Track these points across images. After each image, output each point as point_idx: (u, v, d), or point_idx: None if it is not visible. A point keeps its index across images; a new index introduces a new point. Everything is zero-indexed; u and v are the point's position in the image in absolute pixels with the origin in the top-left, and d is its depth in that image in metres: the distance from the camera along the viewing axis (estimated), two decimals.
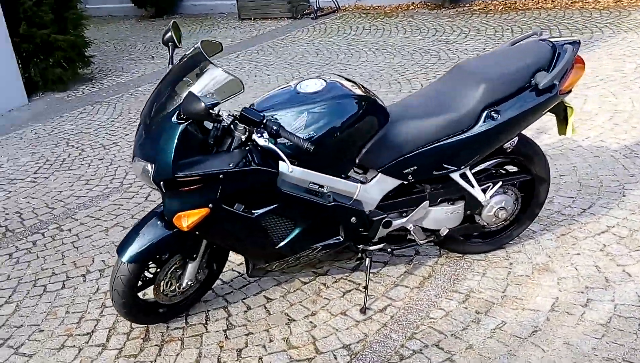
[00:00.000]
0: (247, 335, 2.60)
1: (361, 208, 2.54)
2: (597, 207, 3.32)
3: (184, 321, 2.72)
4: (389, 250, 2.74)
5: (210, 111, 2.05)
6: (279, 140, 2.23)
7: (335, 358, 2.42)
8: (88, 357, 2.55)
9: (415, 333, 2.52)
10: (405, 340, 2.49)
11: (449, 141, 2.54)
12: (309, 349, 2.48)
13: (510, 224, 2.98)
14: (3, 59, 6.53)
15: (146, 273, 2.53)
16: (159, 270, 2.52)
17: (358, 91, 2.49)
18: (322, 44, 7.89)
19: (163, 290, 2.56)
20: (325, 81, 2.47)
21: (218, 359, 2.47)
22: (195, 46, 2.36)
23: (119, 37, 10.15)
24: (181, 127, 2.15)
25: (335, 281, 2.90)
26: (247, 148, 2.27)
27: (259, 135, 2.21)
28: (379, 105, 2.51)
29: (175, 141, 2.15)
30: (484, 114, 2.53)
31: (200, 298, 2.79)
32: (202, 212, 2.26)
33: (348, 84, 2.51)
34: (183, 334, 2.64)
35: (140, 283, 2.52)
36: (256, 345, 2.53)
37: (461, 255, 3.01)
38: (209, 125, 2.30)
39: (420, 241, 2.74)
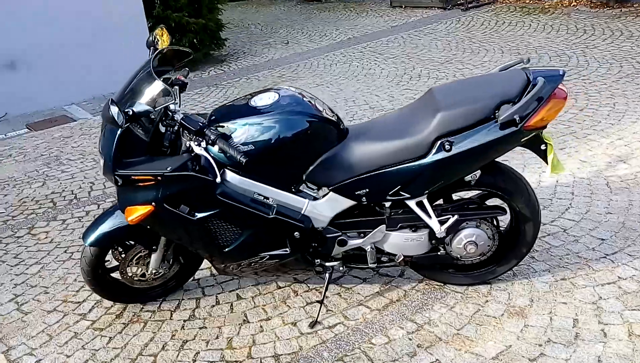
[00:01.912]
0: (200, 328, 2.85)
1: (309, 224, 2.63)
2: (622, 254, 3.04)
3: (158, 305, 3.02)
4: (342, 268, 2.79)
5: (121, 119, 2.28)
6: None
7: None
8: (66, 322, 2.97)
9: (346, 355, 2.58)
10: (333, 360, 2.55)
11: (401, 167, 2.52)
12: (243, 352, 2.66)
13: (493, 261, 2.86)
14: (139, 39, 7.31)
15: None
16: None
17: (308, 109, 2.57)
18: (455, 38, 7.79)
19: (131, 274, 2.88)
20: (278, 95, 2.59)
21: (163, 346, 2.75)
22: (152, 54, 2.61)
23: (268, 20, 10.78)
24: (120, 129, 2.42)
25: (307, 291, 3.02)
26: (192, 154, 2.48)
27: (196, 143, 2.42)
28: (328, 125, 2.58)
29: (115, 140, 2.43)
30: (437, 144, 2.47)
31: (178, 288, 3.08)
32: (146, 209, 2.53)
33: (302, 101, 2.60)
34: (150, 317, 2.95)
35: (110, 265, 2.87)
36: (201, 340, 2.76)
37: (442, 285, 2.95)
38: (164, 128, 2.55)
39: (371, 264, 2.75)
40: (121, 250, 2.85)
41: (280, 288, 3.07)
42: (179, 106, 2.58)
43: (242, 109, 2.59)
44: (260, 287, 3.09)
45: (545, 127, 2.51)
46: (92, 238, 2.72)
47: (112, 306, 3.04)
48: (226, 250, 2.65)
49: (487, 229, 2.72)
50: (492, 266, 2.88)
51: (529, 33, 7.63)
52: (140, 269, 2.89)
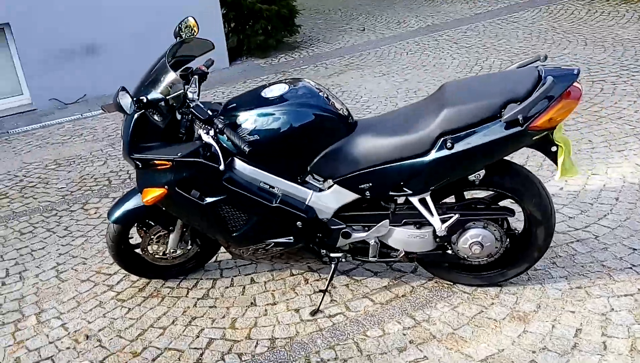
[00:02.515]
0: (210, 307, 3.03)
1: (312, 215, 2.73)
2: None
3: (178, 283, 3.23)
4: (344, 260, 2.87)
5: (129, 107, 2.48)
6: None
7: (256, 346, 2.72)
8: (95, 292, 3.25)
9: (338, 344, 2.67)
10: (325, 348, 2.65)
11: (404, 163, 2.56)
12: (243, 333, 2.81)
13: (504, 263, 2.84)
14: (213, 26, 7.60)
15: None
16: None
17: (316, 101, 2.65)
18: (539, 27, 7.53)
19: (152, 252, 3.09)
20: (288, 87, 2.70)
21: (173, 320, 2.95)
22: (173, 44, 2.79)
23: (350, 6, 10.80)
24: (136, 115, 2.62)
25: (318, 279, 3.13)
26: (203, 142, 2.64)
27: (205, 131, 2.58)
28: (334, 117, 2.66)
29: (131, 126, 2.64)
30: (440, 141, 2.49)
31: (197, 268, 3.28)
32: (159, 191, 2.72)
33: (310, 93, 2.69)
34: (168, 293, 3.16)
35: (135, 242, 3.10)
36: (209, 318, 2.94)
37: (451, 284, 2.96)
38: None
39: (372, 258, 2.81)
40: (144, 228, 3.07)
41: (293, 275, 3.19)
42: (198, 95, 2.75)
43: (253, 100, 2.73)
44: (274, 273, 3.23)
45: (554, 128, 2.46)
46: (115, 215, 2.96)
47: (137, 280, 3.28)
48: (234, 234, 2.81)
49: (494, 230, 2.71)
50: (503, 268, 2.86)
51: (620, 24, 7.24)
52: (160, 247, 3.10)
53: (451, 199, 2.84)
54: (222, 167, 2.57)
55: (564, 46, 6.68)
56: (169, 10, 7.12)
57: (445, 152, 2.49)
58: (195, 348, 2.75)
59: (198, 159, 2.63)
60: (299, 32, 8.72)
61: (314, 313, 2.88)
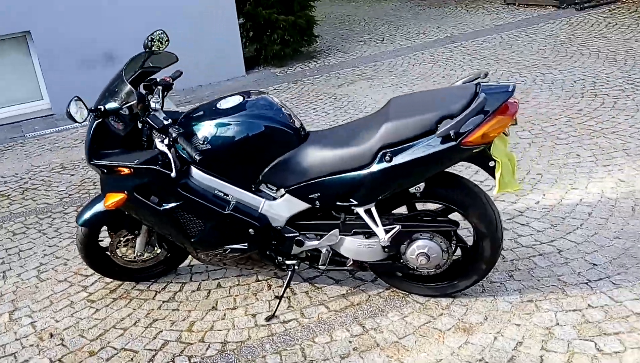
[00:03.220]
0: (173, 310, 3.17)
1: (263, 222, 2.84)
2: (607, 282, 2.96)
3: (148, 286, 3.38)
4: (297, 267, 2.97)
5: (75, 114, 2.66)
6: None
7: (207, 349, 2.85)
8: (69, 292, 3.43)
9: (286, 350, 2.78)
10: (271, 353, 2.76)
11: (348, 175, 2.66)
12: (198, 336, 2.94)
13: (455, 275, 2.90)
14: (230, 35, 7.83)
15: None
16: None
17: (267, 113, 2.78)
18: (555, 40, 7.53)
19: (121, 255, 3.25)
20: (243, 98, 2.83)
21: (136, 322, 3.10)
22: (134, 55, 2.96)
23: (374, 16, 10.91)
24: (95, 123, 2.78)
25: (280, 286, 3.23)
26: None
27: (160, 140, 2.73)
28: (284, 129, 2.78)
29: (91, 133, 2.81)
30: (379, 154, 2.58)
31: (167, 273, 3.44)
32: (119, 196, 2.88)
33: (263, 105, 2.82)
34: (137, 295, 3.32)
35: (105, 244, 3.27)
36: (169, 320, 3.09)
37: (407, 294, 3.04)
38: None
39: (321, 266, 2.91)
40: (113, 232, 3.23)
41: (258, 281, 3.31)
42: (162, 105, 2.90)
43: (209, 110, 2.87)
44: (241, 278, 3.35)
45: (489, 143, 2.52)
46: (82, 218, 3.13)
47: (111, 282, 3.45)
48: (192, 240, 2.95)
49: (440, 242, 2.78)
50: (454, 280, 2.92)
51: (637, 37, 7.19)
52: (128, 251, 3.26)
53: (404, 210, 2.92)
54: (173, 174, 2.71)
55: (575, 59, 6.67)
56: (186, 22, 7.36)
57: (384, 165, 2.58)
58: (149, 349, 2.89)
59: (154, 167, 2.77)
60: (316, 42, 8.86)
61: (269, 318, 2.99)
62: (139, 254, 3.25)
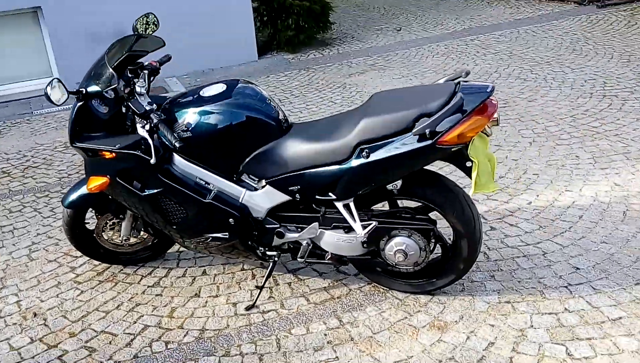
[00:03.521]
0: (157, 295, 3.23)
1: (246, 212, 2.89)
2: (587, 287, 2.98)
3: (135, 270, 3.45)
4: (277, 259, 3.02)
5: (53, 96, 2.72)
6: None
7: (185, 335, 2.91)
8: (57, 272, 3.51)
9: (261, 339, 2.84)
10: (247, 342, 2.82)
11: (326, 169, 2.69)
12: (177, 322, 3.01)
13: (434, 272, 2.93)
14: (243, 19, 7.84)
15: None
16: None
17: (248, 103, 2.81)
18: (572, 37, 7.44)
19: (107, 238, 3.32)
20: (226, 87, 2.86)
21: (118, 305, 3.17)
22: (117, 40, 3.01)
23: (394, 4, 10.78)
24: (77, 105, 2.84)
25: (265, 276, 3.27)
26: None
27: (141, 125, 2.78)
28: (266, 119, 2.81)
29: (73, 115, 2.86)
30: (357, 150, 2.60)
31: (152, 258, 3.51)
32: (102, 180, 2.94)
33: (245, 94, 2.85)
34: (123, 279, 3.39)
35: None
36: (151, 305, 3.15)
37: (387, 289, 3.07)
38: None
39: (299, 258, 2.95)
40: (99, 215, 3.29)
41: (243, 270, 3.36)
42: (146, 90, 2.93)
43: (192, 98, 2.90)
44: (226, 267, 3.41)
45: (466, 143, 2.52)
46: (68, 200, 3.19)
47: (99, 264, 3.52)
48: (175, 227, 2.99)
49: (418, 239, 2.80)
50: (432, 278, 2.95)
51: None
52: (114, 234, 3.32)
53: (386, 206, 2.95)
54: (153, 161, 2.75)
55: (589, 57, 6.60)
56: (199, 3, 7.38)
57: (361, 161, 2.61)
58: (128, 333, 2.96)
59: (134, 152, 2.82)
60: (331, 29, 8.83)
61: (249, 308, 3.04)
62: (124, 238, 3.31)
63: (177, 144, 2.66)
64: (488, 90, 2.52)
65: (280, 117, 2.88)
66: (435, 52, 7.53)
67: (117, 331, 2.98)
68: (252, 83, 2.99)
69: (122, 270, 3.46)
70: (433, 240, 2.88)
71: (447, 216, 2.75)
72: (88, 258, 3.56)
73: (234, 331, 2.90)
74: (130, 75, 2.92)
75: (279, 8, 8.15)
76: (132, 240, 3.36)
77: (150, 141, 2.76)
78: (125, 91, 2.86)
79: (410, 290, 3.02)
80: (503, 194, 3.93)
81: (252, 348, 2.78)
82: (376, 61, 7.46)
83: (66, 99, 2.74)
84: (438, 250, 2.98)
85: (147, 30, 3.13)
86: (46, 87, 2.71)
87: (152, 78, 3.02)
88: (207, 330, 2.93)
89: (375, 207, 2.92)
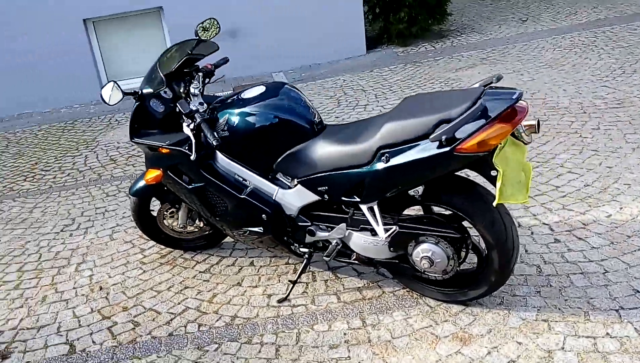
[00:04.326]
0: (205, 281, 3.45)
1: (278, 209, 3.00)
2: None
3: (193, 256, 3.69)
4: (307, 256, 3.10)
5: (104, 97, 2.97)
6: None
7: (217, 320, 3.08)
8: (128, 252, 3.85)
9: (283, 332, 2.94)
10: (269, 333, 2.94)
11: (351, 171, 2.72)
12: (214, 307, 3.20)
13: (467, 282, 2.86)
14: (353, 13, 7.92)
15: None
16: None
17: (283, 104, 2.92)
18: None
19: (167, 225, 3.58)
20: (264, 89, 2.99)
21: (170, 287, 3.42)
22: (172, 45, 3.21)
23: None
24: (136, 105, 3.11)
25: (309, 271, 3.36)
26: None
27: (186, 124, 2.98)
28: (298, 120, 2.90)
29: (132, 114, 3.12)
30: (378, 154, 2.60)
31: (207, 247, 3.73)
32: (156, 173, 3.20)
33: (280, 97, 2.95)
34: (181, 263, 3.64)
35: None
36: (197, 289, 3.37)
37: (420, 295, 3.04)
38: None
39: (325, 256, 2.99)
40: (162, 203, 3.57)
41: (287, 264, 3.48)
42: (202, 90, 3.14)
43: (234, 99, 3.06)
44: (273, 260, 3.55)
45: (489, 151, 2.42)
46: (133, 189, 3.50)
47: (165, 248, 3.81)
48: (218, 219, 3.18)
49: (446, 247, 2.74)
50: (464, 288, 2.87)
51: None
52: (174, 222, 3.58)
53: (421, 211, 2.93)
54: (192, 157, 2.94)
55: None
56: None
57: (382, 165, 2.60)
58: (171, 312, 3.20)
59: (180, 148, 3.03)
60: (448, 20, 8.64)
61: (281, 300, 3.16)
62: (181, 226, 3.55)
63: (214, 143, 2.83)
64: (514, 96, 2.40)
65: (313, 119, 2.95)
66: (558, 45, 7.12)
67: (162, 310, 3.23)
68: (291, 86, 3.09)
69: (182, 254, 3.72)
70: (464, 249, 2.80)
71: (477, 225, 2.66)
72: (155, 242, 3.87)
73: (261, 321, 3.03)
74: (186, 77, 3.15)
75: (391, 1, 8.12)
76: (190, 228, 3.60)
77: (192, 138, 2.96)
78: (181, 92, 3.09)
79: (442, 299, 2.96)
80: (582, 205, 3.69)
81: (272, 339, 2.89)
82: (489, 55, 7.20)
83: (120, 100, 2.99)
84: (474, 259, 2.90)
85: (209, 35, 3.33)
86: (102, 88, 2.98)
87: (207, 80, 3.22)
88: (238, 317, 3.09)
89: (408, 212, 2.90)
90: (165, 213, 3.58)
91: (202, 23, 3.34)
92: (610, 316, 2.75)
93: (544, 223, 3.54)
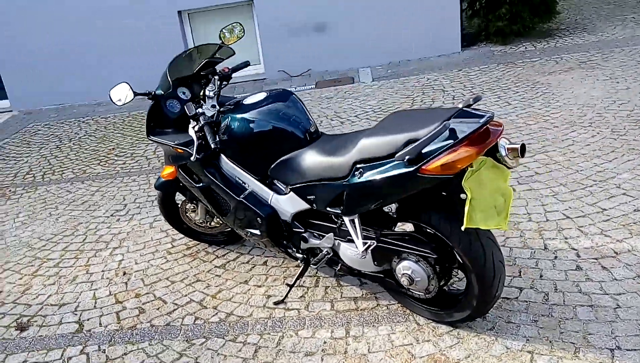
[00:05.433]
0: (217, 275, 3.62)
1: (271, 214, 3.10)
2: (636, 355, 2.57)
3: (214, 250, 3.88)
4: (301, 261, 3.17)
5: (114, 98, 3.17)
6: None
7: (213, 316, 3.25)
8: (160, 241, 4.12)
9: (269, 334, 3.05)
10: (255, 333, 3.05)
11: (332, 183, 2.76)
12: (215, 303, 3.36)
13: (453, 304, 2.82)
14: (449, 9, 7.78)
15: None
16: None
17: (278, 112, 3.01)
18: None
19: (190, 219, 3.80)
20: (265, 96, 3.09)
21: (183, 278, 3.63)
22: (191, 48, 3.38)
23: None
24: (151, 104, 3.32)
25: (311, 275, 3.45)
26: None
27: (191, 125, 3.16)
28: (291, 129, 2.98)
29: (148, 113, 3.34)
30: (354, 168, 2.62)
31: (233, 242, 3.89)
32: (171, 169, 3.40)
33: (279, 104, 3.04)
34: (201, 256, 3.84)
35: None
36: (206, 283, 3.56)
37: (413, 313, 3.03)
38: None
39: (312, 263, 3.06)
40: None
41: (298, 267, 3.56)
42: (218, 94, 3.31)
43: (237, 105, 3.21)
44: (285, 261, 3.65)
45: (455, 174, 2.36)
46: (158, 183, 3.74)
47: (191, 240, 4.02)
48: (224, 217, 3.34)
49: (426, 267, 2.71)
50: (450, 309, 2.83)
51: None
52: (196, 216, 3.78)
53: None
54: (193, 158, 3.11)
55: None
56: None
57: (356, 179, 2.62)
58: (175, 303, 3.41)
59: (185, 148, 3.21)
60: (555, 18, 8.24)
61: (277, 303, 3.26)
62: (200, 221, 3.75)
63: (212, 145, 2.98)
64: (482, 120, 2.33)
65: (308, 128, 3.02)
66: None
67: (169, 300, 3.45)
68: (293, 93, 3.18)
69: (206, 248, 3.93)
70: (448, 268, 2.75)
71: (455, 247, 2.61)
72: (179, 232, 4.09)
73: (252, 320, 3.16)
74: (202, 80, 3.33)
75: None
76: (212, 223, 3.79)
77: (195, 140, 3.13)
78: (200, 94, 3.28)
79: (429, 317, 2.94)
80: (622, 231, 3.46)
81: (255, 340, 3.01)
82: (591, 58, 6.82)
83: (130, 100, 3.20)
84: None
85: (231, 39, 3.47)
86: (111, 88, 3.22)
87: (223, 83, 3.37)
88: (233, 315, 3.23)
89: (401, 227, 2.90)
90: (186, 207, 3.79)
91: (226, 27, 3.49)
92: (602, 355, 2.60)
93: (573, 248, 3.37)
